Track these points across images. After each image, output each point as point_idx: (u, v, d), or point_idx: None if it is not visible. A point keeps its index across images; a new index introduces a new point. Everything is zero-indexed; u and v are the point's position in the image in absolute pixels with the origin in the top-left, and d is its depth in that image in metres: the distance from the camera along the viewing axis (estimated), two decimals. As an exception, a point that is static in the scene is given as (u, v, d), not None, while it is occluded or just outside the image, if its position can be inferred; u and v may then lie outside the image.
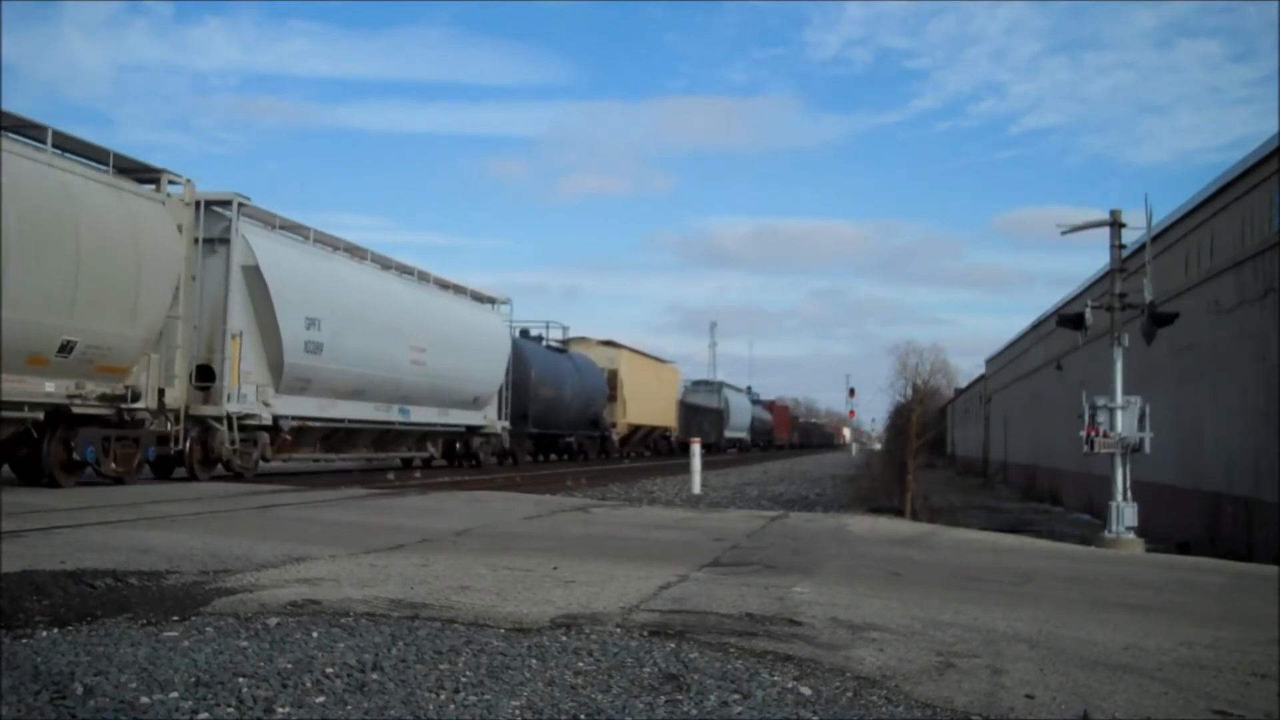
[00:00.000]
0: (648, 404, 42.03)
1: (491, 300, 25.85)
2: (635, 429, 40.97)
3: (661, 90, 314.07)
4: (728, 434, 60.77)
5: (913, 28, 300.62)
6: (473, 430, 24.11)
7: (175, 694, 3.13)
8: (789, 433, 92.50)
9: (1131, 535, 12.53)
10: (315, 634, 4.02)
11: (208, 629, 4.06)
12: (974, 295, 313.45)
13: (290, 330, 15.95)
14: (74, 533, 7.26)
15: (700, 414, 53.11)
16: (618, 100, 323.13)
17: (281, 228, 16.85)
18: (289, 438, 16.50)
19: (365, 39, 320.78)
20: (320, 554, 6.53)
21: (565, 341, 36.09)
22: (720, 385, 63.97)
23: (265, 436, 15.76)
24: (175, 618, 4.26)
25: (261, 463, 16.02)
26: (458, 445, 23.85)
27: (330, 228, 21.92)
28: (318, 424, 17.52)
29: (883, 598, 5.62)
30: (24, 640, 3.77)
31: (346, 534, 7.99)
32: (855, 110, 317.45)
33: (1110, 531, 12.68)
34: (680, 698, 3.33)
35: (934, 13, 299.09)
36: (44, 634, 3.88)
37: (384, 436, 20.43)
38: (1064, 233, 14.05)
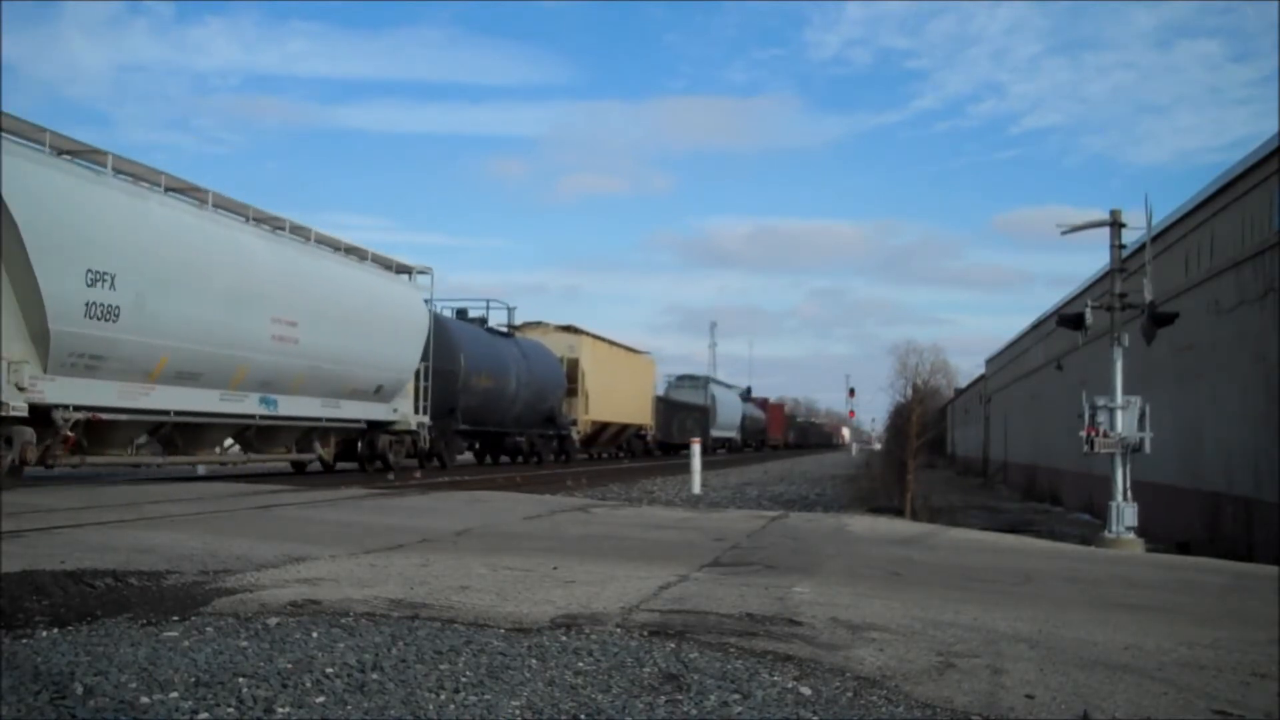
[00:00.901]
0: (617, 399, 36.96)
1: (407, 269, 21.06)
2: (602, 427, 36.26)
3: (661, 90, 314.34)
4: (715, 433, 56.22)
5: (913, 28, 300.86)
6: (378, 426, 19.82)
7: (175, 694, 3.13)
8: (784, 432, 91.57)
9: (1131, 535, 12.54)
10: (315, 634, 4.02)
11: (208, 629, 4.06)
12: (974, 295, 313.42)
13: (59, 287, 11.69)
14: (74, 533, 7.25)
15: (683, 411, 49.37)
16: (618, 100, 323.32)
17: (66, 152, 12.84)
18: (70, 434, 12.31)
19: (365, 39, 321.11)
20: (320, 554, 6.53)
21: (514, 325, 30.84)
22: (707, 380, 59.69)
23: (28, 433, 11.65)
24: (175, 618, 4.25)
25: (43, 468, 12.40)
26: (359, 445, 19.82)
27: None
28: (125, 417, 13.22)
29: (883, 598, 5.62)
30: (24, 640, 3.77)
31: (346, 534, 7.99)
32: (855, 110, 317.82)
33: (1110, 531, 12.69)
34: (680, 698, 3.32)
35: (934, 13, 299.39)
36: (44, 634, 3.88)
37: (245, 434, 16.34)
38: (1064, 233, 14.07)
